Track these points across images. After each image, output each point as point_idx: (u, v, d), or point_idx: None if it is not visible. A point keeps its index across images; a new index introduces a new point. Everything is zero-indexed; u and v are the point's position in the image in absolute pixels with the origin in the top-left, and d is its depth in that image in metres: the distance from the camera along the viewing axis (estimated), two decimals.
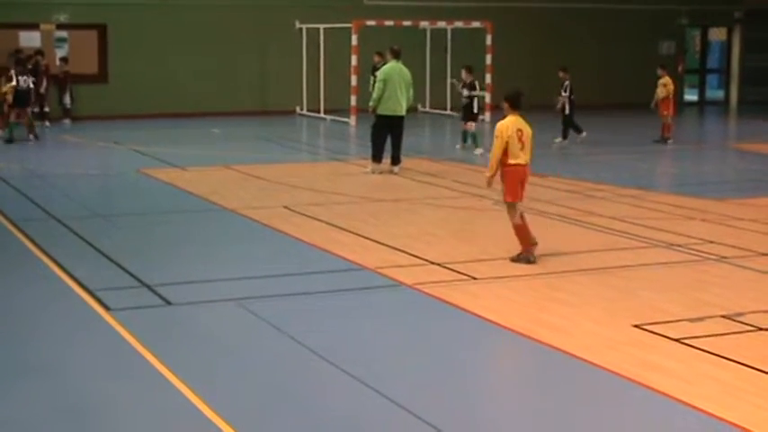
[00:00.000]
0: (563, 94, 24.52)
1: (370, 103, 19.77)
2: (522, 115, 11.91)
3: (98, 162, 21.89)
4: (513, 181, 11.88)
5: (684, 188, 17.59)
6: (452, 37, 32.82)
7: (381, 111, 19.45)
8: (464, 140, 23.46)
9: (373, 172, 19.23)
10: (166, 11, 31.34)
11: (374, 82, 27.55)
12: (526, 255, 11.79)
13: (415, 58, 31.09)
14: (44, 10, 30.15)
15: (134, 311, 9.71)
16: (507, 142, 11.69)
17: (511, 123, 11.74)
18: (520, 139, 11.72)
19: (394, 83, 19.42)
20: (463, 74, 23.47)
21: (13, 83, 24.10)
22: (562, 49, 35.08)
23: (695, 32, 41.01)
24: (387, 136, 19.47)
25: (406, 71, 19.74)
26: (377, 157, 19.45)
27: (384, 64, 20.61)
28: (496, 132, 11.78)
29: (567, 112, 24.56)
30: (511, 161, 11.78)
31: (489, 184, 12.15)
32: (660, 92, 25.41)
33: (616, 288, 10.70)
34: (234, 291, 10.48)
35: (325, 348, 8.51)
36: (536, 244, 11.84)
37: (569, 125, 24.71)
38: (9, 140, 23.80)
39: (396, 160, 19.46)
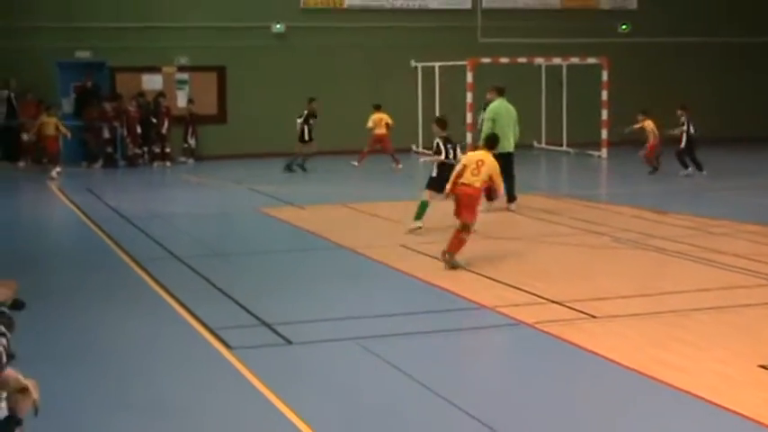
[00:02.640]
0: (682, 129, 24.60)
1: (480, 143, 19.72)
2: (494, 153, 14.55)
3: (217, 201, 22.23)
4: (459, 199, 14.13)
5: None
6: (567, 73, 32.67)
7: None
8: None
9: (488, 210, 19.18)
10: (283, 52, 31.81)
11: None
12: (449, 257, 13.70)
13: (530, 94, 31.08)
14: (165, 53, 30.85)
15: (255, 350, 9.83)
16: (463, 167, 14.13)
17: (474, 155, 14.33)
18: (478, 168, 13.99)
19: (502, 120, 19.40)
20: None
21: None
22: (680, 85, 34.71)
23: None
24: (504, 173, 19.39)
25: (512, 108, 19.78)
26: (488, 197, 19.38)
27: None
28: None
29: (682, 145, 24.60)
30: (462, 180, 14.04)
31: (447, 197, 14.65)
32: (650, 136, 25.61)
33: (739, 327, 10.51)
34: (353, 330, 10.54)
35: (446, 389, 8.51)
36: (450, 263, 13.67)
37: (691, 159, 24.66)
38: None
39: (511, 198, 19.39)
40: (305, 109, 27.42)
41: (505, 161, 19.37)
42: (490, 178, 14.16)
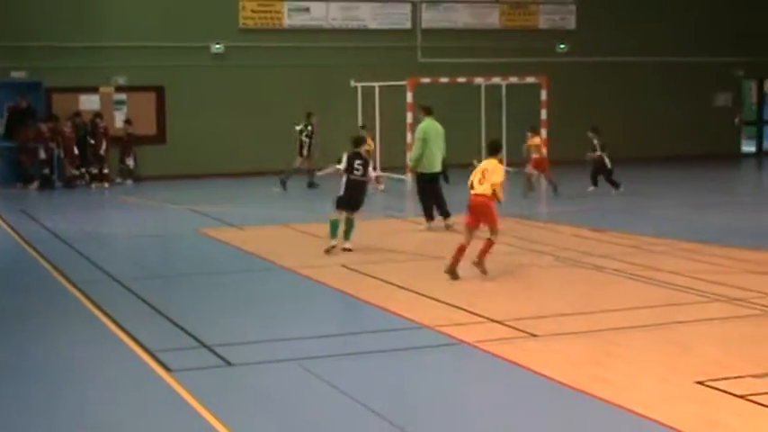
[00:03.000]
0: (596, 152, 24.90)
1: (410, 163, 19.81)
2: (499, 159, 15.06)
3: (157, 223, 22.08)
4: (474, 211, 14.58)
5: (744, 241, 17.40)
6: (507, 92, 32.85)
7: (423, 169, 19.47)
8: None
9: (428, 230, 19.23)
10: (222, 72, 31.73)
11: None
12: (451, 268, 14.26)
13: (469, 113, 31.22)
14: (103, 73, 30.63)
15: (194, 372, 9.75)
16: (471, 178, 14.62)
17: (483, 164, 14.75)
18: (483, 176, 14.43)
19: (432, 140, 19.44)
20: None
21: None
22: (617, 103, 35.11)
23: (751, 84, 40.78)
24: (433, 193, 19.44)
25: (440, 127, 19.86)
26: (429, 216, 19.47)
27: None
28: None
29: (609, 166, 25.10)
30: (473, 191, 14.51)
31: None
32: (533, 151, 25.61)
33: (677, 344, 10.59)
34: (293, 351, 10.50)
35: (386, 409, 8.49)
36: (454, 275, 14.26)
37: (606, 179, 25.16)
38: None
39: (447, 214, 19.42)
40: (303, 122, 27.98)
41: (433, 181, 19.43)
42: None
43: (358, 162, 16.79)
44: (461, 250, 14.41)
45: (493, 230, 14.54)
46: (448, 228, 19.12)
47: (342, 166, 16.87)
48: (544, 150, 25.74)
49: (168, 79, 31.23)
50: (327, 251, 16.49)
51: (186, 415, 8.47)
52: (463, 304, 12.46)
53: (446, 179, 26.93)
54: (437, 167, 19.65)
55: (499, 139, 15.57)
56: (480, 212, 14.51)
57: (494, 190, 14.36)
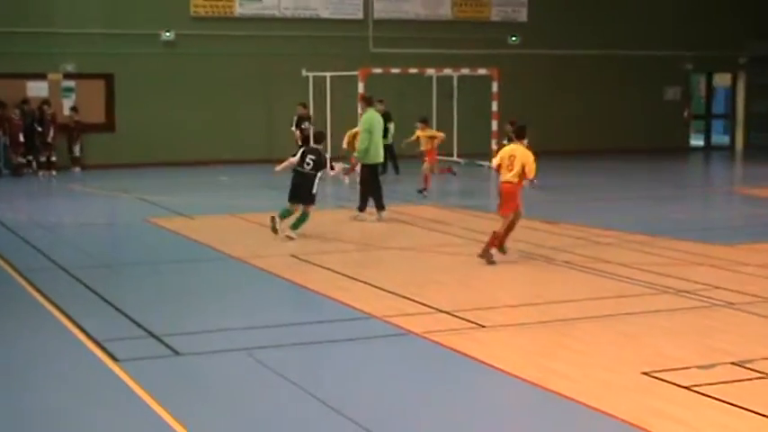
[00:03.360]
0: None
1: (357, 154, 19.79)
2: (526, 144, 14.97)
3: (105, 211, 21.92)
4: (500, 195, 15.09)
5: (691, 233, 17.57)
6: (458, 83, 32.91)
7: (368, 160, 19.45)
8: None
9: (379, 220, 19.23)
10: (173, 60, 31.54)
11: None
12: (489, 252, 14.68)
13: (421, 104, 31.24)
14: (51, 60, 30.34)
15: (142, 362, 9.69)
16: (499, 165, 14.96)
17: (506, 150, 15.09)
18: (511, 162, 14.70)
19: (376, 131, 19.43)
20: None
21: None
22: (568, 96, 35.31)
23: (700, 78, 41.14)
24: (375, 183, 19.48)
25: (381, 118, 20.02)
26: (362, 208, 19.45)
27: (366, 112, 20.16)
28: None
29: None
30: (501, 179, 14.94)
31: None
32: (425, 143, 24.53)
33: (624, 335, 10.67)
34: (241, 340, 10.46)
35: (334, 398, 8.48)
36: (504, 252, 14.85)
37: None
38: None
39: (383, 207, 19.44)
40: (294, 114, 27.94)
41: (375, 171, 19.41)
42: (499, 167, 15.00)
43: (310, 157, 17.02)
44: (510, 229, 15.15)
45: (507, 219, 15.02)
46: (379, 220, 19.10)
47: (295, 159, 17.15)
48: (436, 142, 24.29)
49: (118, 67, 30.99)
50: (274, 231, 16.78)
51: (133, 405, 8.41)
52: (411, 294, 12.47)
53: (396, 170, 27.28)
54: (381, 158, 19.77)
55: (525, 125, 15.60)
56: (510, 199, 14.98)
57: (521, 176, 14.80)
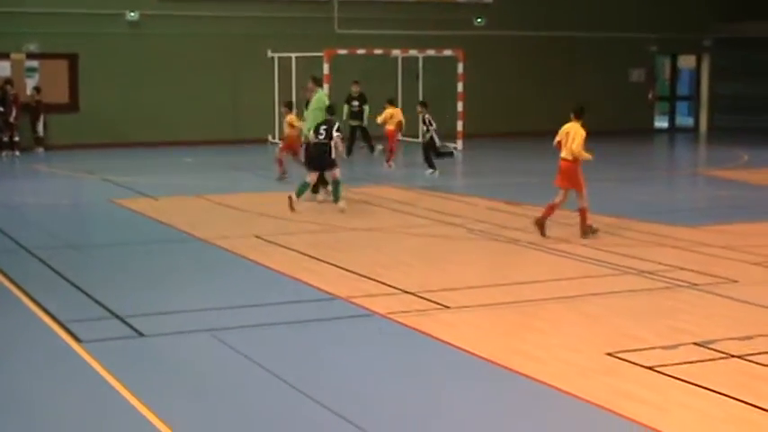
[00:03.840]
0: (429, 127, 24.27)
1: (306, 132, 19.70)
2: (581, 123, 15.44)
3: (69, 192, 21.78)
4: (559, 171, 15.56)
5: (655, 215, 17.65)
6: (424, 65, 32.88)
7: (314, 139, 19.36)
8: None
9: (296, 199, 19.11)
10: (137, 40, 31.32)
11: (350, 111, 27.89)
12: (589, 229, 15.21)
13: (387, 86, 31.19)
14: (14, 39, 30.05)
15: (105, 343, 9.65)
16: (558, 142, 15.47)
17: (564, 128, 15.48)
18: (567, 139, 15.28)
19: (323, 111, 19.35)
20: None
21: None
22: (534, 77, 35.34)
23: (665, 60, 41.29)
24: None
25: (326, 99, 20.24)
26: (314, 189, 19.34)
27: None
28: None
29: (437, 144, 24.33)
30: (561, 155, 15.47)
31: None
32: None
33: (589, 316, 10.71)
34: (206, 321, 10.43)
35: (298, 379, 8.48)
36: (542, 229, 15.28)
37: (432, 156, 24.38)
38: None
39: (319, 188, 19.36)
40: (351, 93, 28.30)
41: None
42: (559, 144, 15.46)
43: (323, 127, 18.31)
44: (552, 208, 15.49)
45: (580, 195, 15.34)
46: (319, 202, 19.05)
47: (311, 134, 18.61)
48: (295, 130, 22.33)
49: (82, 47, 30.72)
50: (291, 208, 17.73)
51: (97, 386, 8.37)
52: (376, 275, 12.48)
53: (371, 149, 27.37)
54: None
55: (584, 105, 16.07)
56: (566, 177, 15.41)
57: (575, 155, 15.11)
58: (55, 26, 30.33)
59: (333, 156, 18.24)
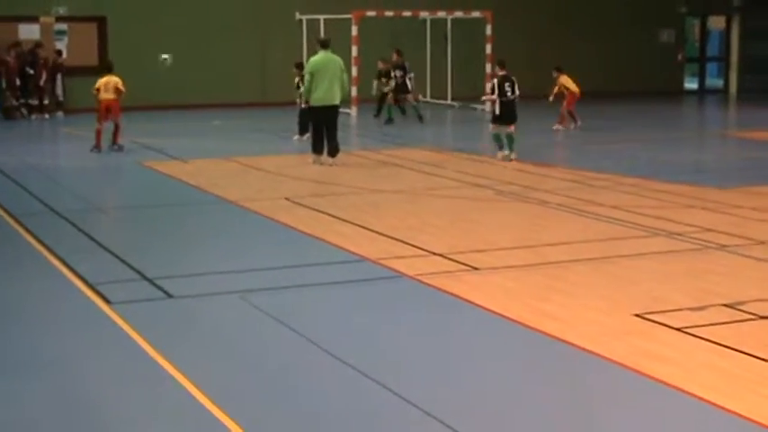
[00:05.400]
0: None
1: (304, 95, 19.75)
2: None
3: (99, 155, 21.85)
4: None
5: (684, 176, 17.58)
6: (452, 27, 32.75)
7: (313, 102, 19.31)
8: None
9: (314, 163, 19.12)
10: (165, 2, 31.32)
11: (395, 82, 27.71)
12: None
13: (415, 48, 31.11)
14: (44, 2, 30.12)
15: (135, 305, 9.72)
16: None
17: None
18: None
19: (321, 74, 19.15)
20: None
21: None
22: (562, 39, 35.11)
23: (694, 21, 40.96)
24: (322, 127, 19.32)
25: (336, 60, 19.37)
26: (315, 149, 19.35)
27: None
28: None
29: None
30: None
31: None
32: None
33: (617, 277, 10.70)
34: (235, 283, 10.48)
35: (327, 341, 8.52)
36: None
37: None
38: None
39: (331, 151, 19.20)
40: (393, 63, 27.83)
41: (329, 115, 19.21)
42: None
43: (507, 84, 19.78)
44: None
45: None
46: (328, 165, 19.01)
47: (495, 95, 19.91)
48: None
49: (110, 9, 30.74)
50: (501, 159, 19.65)
51: (126, 348, 8.44)
52: (405, 237, 12.50)
53: (420, 118, 27.14)
54: (329, 101, 19.18)
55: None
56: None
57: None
58: None
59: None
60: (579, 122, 25.43)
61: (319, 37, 20.40)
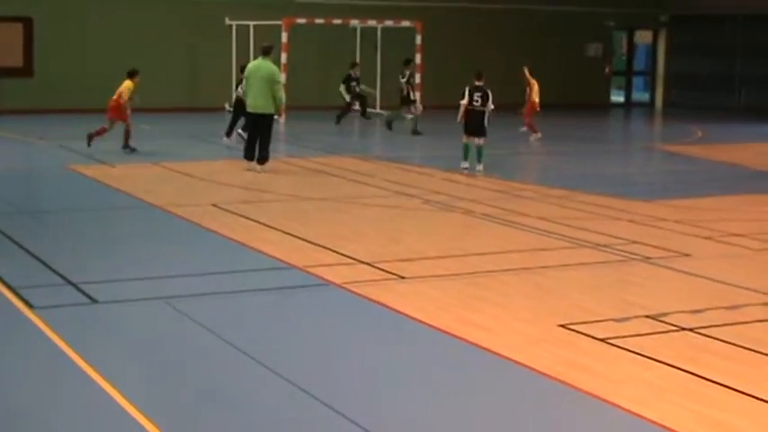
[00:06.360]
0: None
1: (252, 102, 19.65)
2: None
3: (23, 158, 21.60)
4: None
5: (611, 189, 17.78)
6: (382, 35, 32.82)
7: (247, 107, 19.40)
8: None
9: (247, 169, 19.02)
10: (93, 5, 31.02)
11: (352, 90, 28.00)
12: None
13: (345, 56, 31.13)
14: None
15: (59, 309, 9.60)
16: None
17: None
18: None
19: (249, 80, 19.18)
20: None
21: None
22: (491, 50, 35.30)
23: (622, 35, 41.45)
24: (254, 134, 19.24)
25: (266, 68, 19.10)
26: (245, 154, 19.28)
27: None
28: None
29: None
30: None
31: None
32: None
33: (542, 288, 10.79)
34: (161, 289, 10.40)
35: (253, 348, 8.48)
36: None
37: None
38: None
39: (259, 160, 19.05)
40: (404, 69, 27.59)
41: (257, 122, 19.11)
42: None
43: (477, 94, 19.61)
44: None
45: None
46: (254, 170, 18.91)
47: (464, 101, 19.66)
48: None
49: (37, 11, 30.36)
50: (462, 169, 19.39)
51: (49, 353, 8.33)
52: (331, 245, 12.49)
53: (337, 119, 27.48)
54: (254, 108, 19.09)
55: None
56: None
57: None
58: None
59: (486, 123, 19.56)
60: (539, 134, 25.83)
61: (263, 44, 20.25)
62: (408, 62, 27.90)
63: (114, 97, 21.32)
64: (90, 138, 21.38)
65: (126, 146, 21.25)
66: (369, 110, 30.22)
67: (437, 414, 7.32)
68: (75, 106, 30.17)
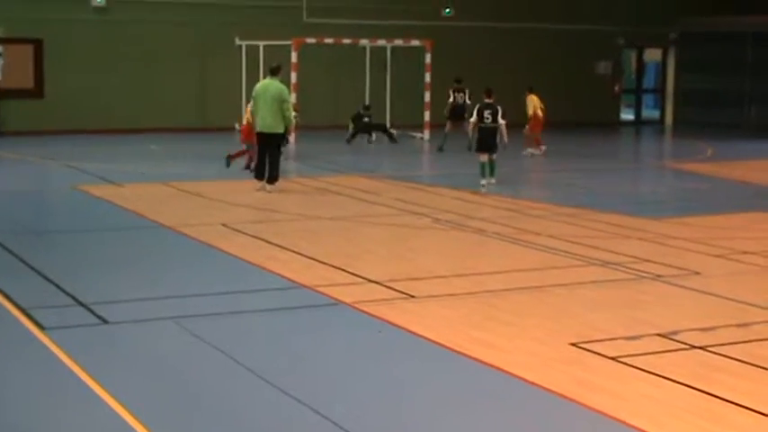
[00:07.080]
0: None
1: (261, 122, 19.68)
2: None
3: (33, 178, 21.64)
4: None
5: (621, 207, 17.74)
6: (392, 55, 32.87)
7: (257, 127, 19.45)
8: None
9: (261, 189, 19.00)
10: (104, 26, 31.11)
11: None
12: None
13: (355, 75, 31.18)
14: None
15: (69, 330, 9.60)
16: None
17: None
18: None
19: (257, 100, 19.25)
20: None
21: None
22: (500, 68, 35.30)
23: (631, 53, 41.44)
24: (264, 153, 19.23)
25: (274, 87, 19.13)
26: (256, 174, 19.35)
27: None
28: None
29: None
30: None
31: None
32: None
33: (553, 306, 10.76)
34: (171, 309, 10.39)
35: (263, 368, 8.47)
36: None
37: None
38: None
39: (267, 179, 19.07)
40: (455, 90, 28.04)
41: (265, 142, 19.10)
42: None
43: (487, 111, 19.83)
44: None
45: None
46: (263, 189, 18.91)
47: (474, 119, 20.14)
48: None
49: (47, 32, 30.47)
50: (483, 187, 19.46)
51: (60, 373, 8.33)
52: (342, 265, 12.47)
53: (390, 137, 27.55)
54: (261, 128, 19.14)
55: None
56: None
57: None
58: (20, 11, 30.07)
59: (498, 140, 19.87)
60: (544, 147, 25.87)
61: (271, 63, 20.29)
62: (459, 81, 28.28)
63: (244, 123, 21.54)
64: (230, 159, 22.14)
65: (247, 166, 21.36)
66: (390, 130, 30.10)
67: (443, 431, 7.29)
68: (85, 127, 30.26)
